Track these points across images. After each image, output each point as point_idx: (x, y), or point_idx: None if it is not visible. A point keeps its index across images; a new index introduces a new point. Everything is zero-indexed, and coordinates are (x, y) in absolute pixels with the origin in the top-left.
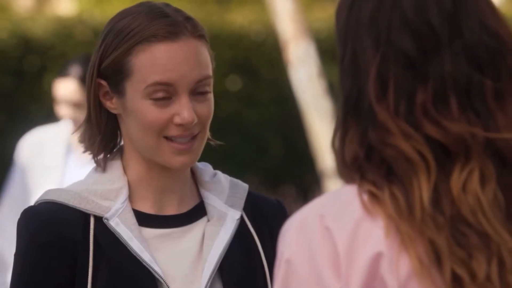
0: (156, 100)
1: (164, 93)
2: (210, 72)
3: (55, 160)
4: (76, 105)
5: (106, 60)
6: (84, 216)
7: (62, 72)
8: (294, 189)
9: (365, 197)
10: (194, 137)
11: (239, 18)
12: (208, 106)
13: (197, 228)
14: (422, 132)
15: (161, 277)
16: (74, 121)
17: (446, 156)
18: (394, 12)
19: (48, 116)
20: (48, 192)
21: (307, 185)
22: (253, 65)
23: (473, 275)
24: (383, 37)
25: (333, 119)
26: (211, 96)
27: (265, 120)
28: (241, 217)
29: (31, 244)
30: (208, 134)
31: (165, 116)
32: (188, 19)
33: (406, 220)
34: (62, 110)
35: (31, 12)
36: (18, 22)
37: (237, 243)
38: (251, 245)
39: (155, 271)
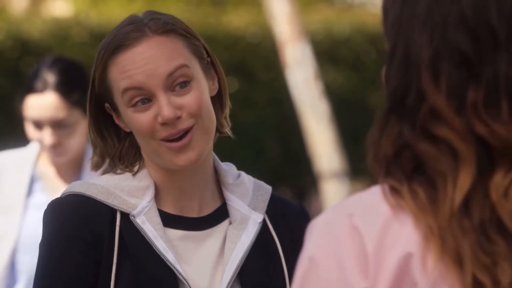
0: (136, 106)
1: (141, 98)
2: (182, 60)
3: (12, 200)
4: (59, 125)
5: (95, 82)
6: (110, 211)
7: (32, 86)
8: (290, 190)
9: (389, 192)
10: (188, 131)
11: (235, 20)
12: (193, 96)
13: (219, 230)
14: (471, 131)
15: (184, 278)
16: (57, 146)
17: (488, 159)
18: (452, 8)
19: None
20: (75, 184)
21: (304, 186)
22: (249, 67)
23: (496, 282)
24: (437, 32)
25: (330, 121)
26: (195, 85)
27: (261, 121)
28: (263, 220)
29: (58, 236)
30: (214, 122)
31: (148, 119)
32: (153, 19)
33: (432, 219)
34: (39, 133)
35: (26, 13)
36: (14, 23)
37: (258, 247)
38: (272, 249)
39: (178, 271)
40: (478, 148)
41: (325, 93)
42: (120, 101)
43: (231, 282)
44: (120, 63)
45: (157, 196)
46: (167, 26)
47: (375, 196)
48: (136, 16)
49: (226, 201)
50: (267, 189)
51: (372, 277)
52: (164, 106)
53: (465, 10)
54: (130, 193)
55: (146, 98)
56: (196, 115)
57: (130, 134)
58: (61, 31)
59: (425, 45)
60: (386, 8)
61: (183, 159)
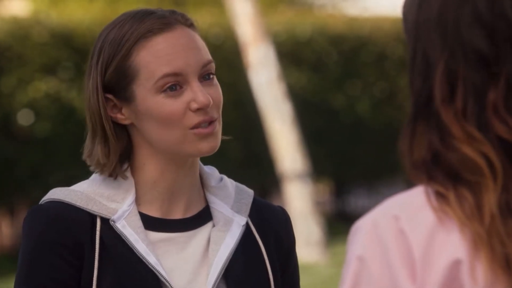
0: (168, 92)
1: (175, 83)
2: (210, 57)
3: None
4: None
5: (108, 71)
6: (90, 217)
7: None
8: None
9: (434, 198)
10: (212, 122)
11: (197, 21)
12: (217, 89)
13: (202, 233)
14: (492, 133)
15: (166, 280)
16: None
17: None
18: (465, 6)
19: (6, 117)
20: (54, 191)
21: (266, 187)
22: None
23: None
24: (451, 33)
25: (293, 122)
26: (216, 80)
27: (224, 123)
28: (247, 223)
29: (38, 242)
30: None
31: (181, 105)
32: (174, 12)
33: (477, 223)
34: None
35: None
36: None
37: (242, 249)
38: (256, 252)
39: (160, 274)
40: (505, 148)
41: (288, 94)
42: (146, 86)
43: (216, 283)
44: (156, 46)
45: (140, 200)
46: (191, 21)
47: (418, 199)
48: (150, 9)
49: (209, 204)
50: (249, 192)
51: (420, 282)
52: (199, 92)
53: (479, 6)
54: (110, 198)
55: (176, 84)
56: (219, 108)
57: (123, 131)
58: (21, 31)
59: (439, 49)
60: (405, 15)
61: (207, 146)
